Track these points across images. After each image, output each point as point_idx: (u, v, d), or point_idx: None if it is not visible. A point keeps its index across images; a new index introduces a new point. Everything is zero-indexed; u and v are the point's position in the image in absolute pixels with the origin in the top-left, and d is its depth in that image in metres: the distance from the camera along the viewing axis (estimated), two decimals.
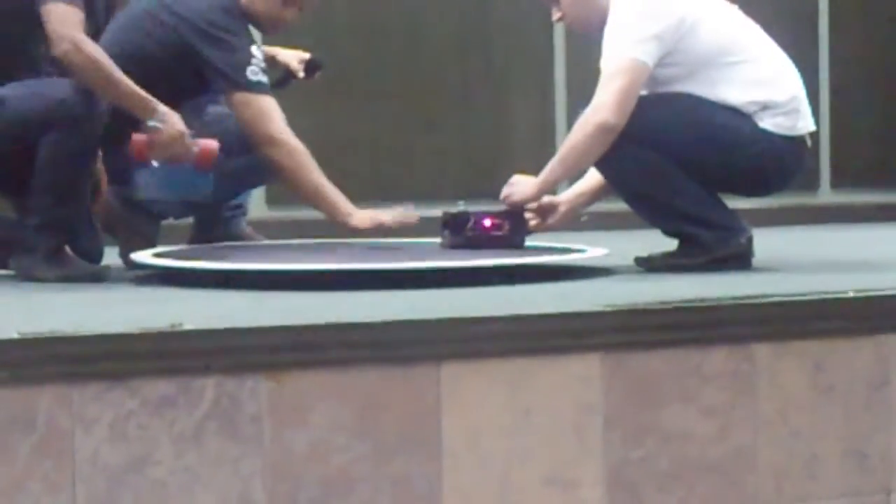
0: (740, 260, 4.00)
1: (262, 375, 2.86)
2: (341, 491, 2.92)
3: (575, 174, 4.13)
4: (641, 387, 3.18)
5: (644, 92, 3.99)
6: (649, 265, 4.05)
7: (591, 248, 4.12)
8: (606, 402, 3.14)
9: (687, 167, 3.92)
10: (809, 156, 4.13)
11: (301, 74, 4.60)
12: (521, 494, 3.07)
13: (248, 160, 4.19)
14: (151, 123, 3.90)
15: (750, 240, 4.03)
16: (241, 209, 4.62)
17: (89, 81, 3.82)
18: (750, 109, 3.95)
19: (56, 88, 3.80)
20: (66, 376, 2.72)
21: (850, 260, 4.66)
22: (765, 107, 3.95)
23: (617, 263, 4.16)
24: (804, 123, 4.03)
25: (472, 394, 3.03)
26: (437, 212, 4.26)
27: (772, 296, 3.37)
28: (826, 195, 7.27)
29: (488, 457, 3.04)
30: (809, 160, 4.15)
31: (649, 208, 4.01)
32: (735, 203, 4.13)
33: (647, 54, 3.90)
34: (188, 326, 2.84)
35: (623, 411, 3.16)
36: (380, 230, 4.15)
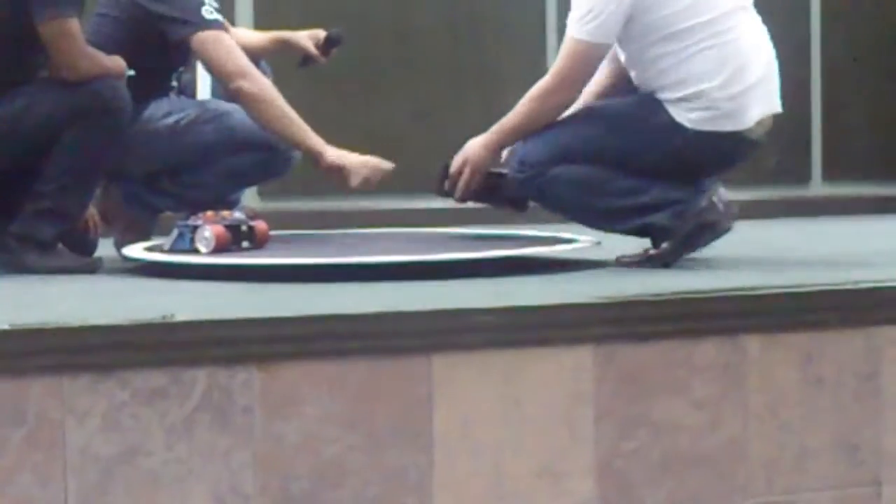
0: (713, 226, 3.86)
1: (253, 367, 2.86)
2: (333, 482, 2.92)
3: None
4: (632, 379, 3.18)
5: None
6: (629, 264, 3.99)
7: (582, 238, 4.12)
8: (597, 393, 3.14)
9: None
10: (754, 148, 4.01)
11: (320, 59, 4.55)
12: (513, 485, 3.07)
13: (248, 159, 4.19)
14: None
15: (713, 201, 3.86)
16: (235, 202, 4.61)
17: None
18: (666, 98, 3.89)
19: (82, 84, 3.79)
20: (58, 368, 2.72)
21: (841, 253, 4.66)
22: (681, 100, 3.88)
23: (608, 256, 4.16)
24: (733, 121, 3.89)
25: (463, 385, 3.03)
26: (427, 204, 4.27)
27: (762, 288, 3.38)
28: (817, 188, 7.27)
29: (480, 448, 3.05)
30: (767, 150, 4.02)
31: (598, 218, 4.01)
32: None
33: (607, 35, 3.89)
34: (180, 318, 2.84)
35: (614, 403, 3.16)
36: (344, 176, 4.08)
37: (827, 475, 3.38)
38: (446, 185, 4.13)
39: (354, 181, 4.06)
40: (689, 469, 3.23)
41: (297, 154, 4.28)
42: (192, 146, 4.22)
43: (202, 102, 4.31)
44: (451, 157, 4.13)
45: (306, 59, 4.54)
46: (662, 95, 3.92)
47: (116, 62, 3.92)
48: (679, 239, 3.88)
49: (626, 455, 3.17)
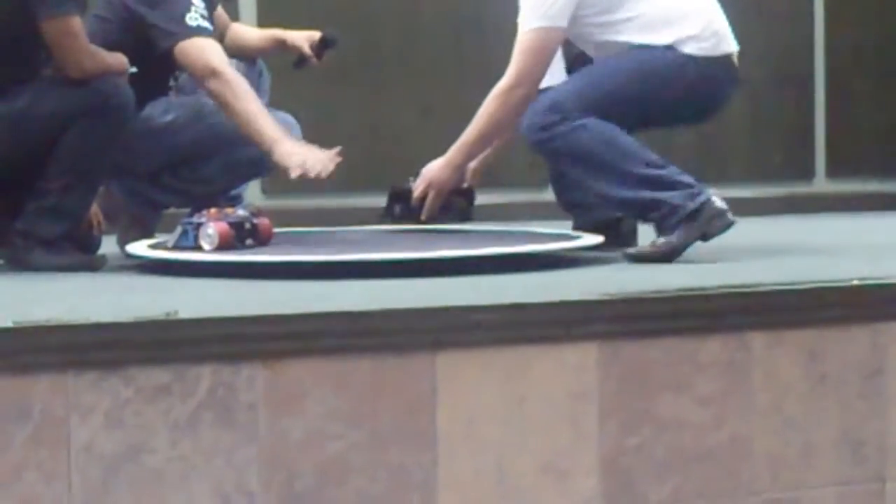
0: (721, 214, 3.92)
1: (257, 364, 2.86)
2: (337, 479, 2.92)
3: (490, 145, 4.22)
4: (637, 376, 3.18)
5: None
6: (637, 258, 4.00)
7: (585, 235, 4.13)
8: (602, 390, 3.14)
9: (631, 117, 4.00)
10: (739, 84, 4.21)
11: (313, 60, 4.57)
12: (517, 483, 3.07)
13: (248, 152, 4.19)
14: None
15: (711, 200, 3.95)
16: (237, 199, 4.62)
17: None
18: (668, 42, 4.03)
19: (85, 82, 3.80)
20: (62, 365, 2.72)
21: (846, 249, 4.66)
22: (684, 39, 4.03)
23: (611, 253, 4.17)
24: (725, 45, 4.10)
25: (467, 382, 3.03)
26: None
27: (767, 285, 3.37)
28: (821, 184, 7.26)
29: (484, 445, 3.04)
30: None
31: (612, 178, 3.96)
32: (727, 192, 4.16)
33: (560, 18, 4.01)
34: (183, 315, 2.84)
35: (618, 400, 3.16)
36: (300, 174, 3.99)
37: (831, 472, 3.38)
38: (397, 209, 4.21)
39: (294, 174, 3.99)
40: (693, 466, 3.23)
41: None
42: (192, 141, 4.23)
43: (199, 98, 4.31)
44: (400, 181, 4.26)
45: (301, 60, 4.55)
46: (664, 41, 4.03)
47: (118, 59, 3.93)
48: (688, 223, 3.91)
49: (630, 452, 3.17)
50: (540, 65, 4.05)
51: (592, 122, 3.93)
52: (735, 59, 4.16)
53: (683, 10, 4.09)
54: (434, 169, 4.20)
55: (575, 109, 3.94)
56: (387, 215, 4.32)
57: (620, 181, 3.96)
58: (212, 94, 4.11)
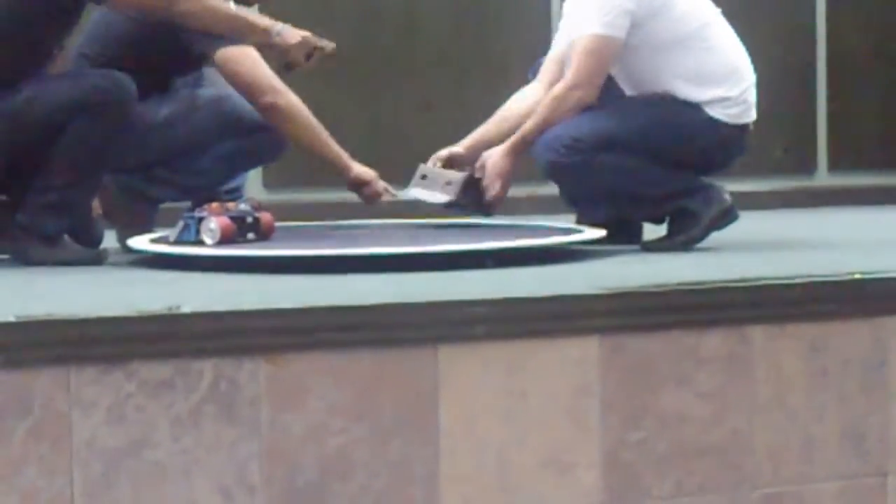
0: (729, 214, 4.17)
1: (259, 358, 2.86)
2: (339, 474, 2.92)
3: None
4: (638, 370, 3.18)
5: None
6: (650, 248, 4.18)
7: (587, 230, 4.13)
8: (603, 385, 3.14)
9: (643, 157, 4.12)
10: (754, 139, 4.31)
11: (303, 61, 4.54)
12: (518, 477, 3.07)
13: (243, 142, 4.19)
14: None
15: (728, 194, 4.19)
16: (237, 192, 4.62)
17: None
18: (701, 100, 4.13)
19: (86, 76, 3.81)
20: (64, 359, 2.72)
21: (847, 243, 4.66)
22: (717, 100, 4.13)
23: (612, 246, 4.17)
24: (747, 115, 4.22)
25: (469, 377, 3.03)
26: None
27: (768, 278, 3.37)
28: (823, 177, 7.26)
29: (485, 440, 3.05)
30: (773, 140, 4.17)
31: (632, 204, 4.22)
32: (729, 186, 4.19)
33: (620, 29, 4.09)
34: (186, 309, 2.84)
35: (620, 394, 3.16)
36: (374, 188, 4.26)
37: (833, 465, 3.38)
38: (465, 198, 4.23)
39: (380, 189, 4.26)
40: (695, 460, 3.23)
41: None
42: (185, 134, 4.22)
43: (193, 90, 4.30)
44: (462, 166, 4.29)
45: (289, 63, 4.50)
46: (697, 98, 4.14)
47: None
48: (705, 225, 4.14)
49: (631, 446, 3.17)
50: (599, 68, 4.13)
51: (610, 158, 4.07)
52: (751, 126, 4.25)
53: (735, 65, 4.19)
54: (499, 162, 4.22)
55: (593, 148, 4.06)
56: (453, 205, 4.28)
57: (640, 205, 4.21)
58: (269, 108, 4.11)
